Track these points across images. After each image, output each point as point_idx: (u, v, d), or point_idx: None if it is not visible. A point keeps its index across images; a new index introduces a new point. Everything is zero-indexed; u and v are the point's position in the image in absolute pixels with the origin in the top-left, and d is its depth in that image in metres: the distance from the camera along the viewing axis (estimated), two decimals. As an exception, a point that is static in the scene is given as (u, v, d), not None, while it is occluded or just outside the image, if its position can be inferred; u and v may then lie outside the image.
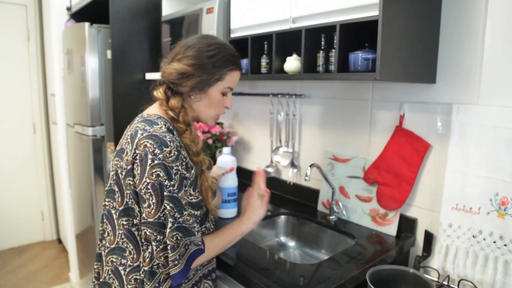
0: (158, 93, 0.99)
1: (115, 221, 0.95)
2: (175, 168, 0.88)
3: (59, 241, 3.43)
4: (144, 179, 0.86)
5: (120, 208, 0.93)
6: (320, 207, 1.61)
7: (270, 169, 1.84)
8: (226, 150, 1.47)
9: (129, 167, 0.90)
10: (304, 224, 1.54)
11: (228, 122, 2.14)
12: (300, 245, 1.53)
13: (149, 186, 0.86)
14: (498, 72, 1.09)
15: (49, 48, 2.84)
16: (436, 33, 1.19)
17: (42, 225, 3.43)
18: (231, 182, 1.42)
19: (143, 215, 0.88)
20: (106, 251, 0.98)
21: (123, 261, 0.95)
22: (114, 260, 0.96)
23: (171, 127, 0.94)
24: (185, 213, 0.89)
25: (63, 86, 2.47)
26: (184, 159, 0.92)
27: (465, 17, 1.14)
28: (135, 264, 0.93)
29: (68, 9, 2.34)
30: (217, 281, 1.11)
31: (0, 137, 3.11)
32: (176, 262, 0.87)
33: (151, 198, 0.86)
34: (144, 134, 0.88)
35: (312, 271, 1.12)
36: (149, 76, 1.97)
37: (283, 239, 1.58)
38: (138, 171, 0.87)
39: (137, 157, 0.87)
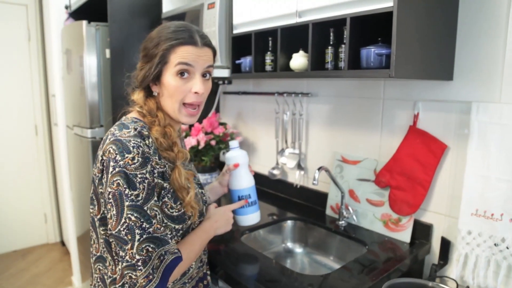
0: (136, 95, 0.92)
1: (97, 229, 0.90)
2: (139, 176, 0.79)
3: (63, 243, 3.40)
4: (107, 188, 0.79)
5: (98, 217, 0.88)
6: (328, 211, 1.53)
7: (276, 171, 1.77)
8: (233, 144, 1.15)
9: (99, 175, 0.84)
10: (312, 229, 1.47)
11: (232, 123, 2.07)
12: (308, 252, 1.46)
13: (110, 196, 0.78)
14: (523, 67, 1.00)
15: (50, 48, 2.79)
16: (454, 24, 1.11)
17: (45, 228, 3.39)
18: (240, 182, 1.10)
19: (109, 225, 0.81)
20: (93, 258, 0.94)
21: (105, 271, 0.90)
22: (100, 268, 0.92)
23: (145, 132, 0.86)
24: (154, 221, 0.80)
25: (63, 86, 2.42)
26: (158, 167, 0.84)
27: (486, 6, 1.05)
28: (114, 276, 0.87)
29: (67, 7, 2.28)
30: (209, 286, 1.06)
31: (2, 139, 3.08)
32: (151, 277, 0.77)
33: (112, 209, 0.78)
34: (111, 139, 0.81)
35: (323, 283, 1.04)
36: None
37: (290, 245, 1.51)
38: (105, 179, 0.81)
39: (104, 164, 0.81)
